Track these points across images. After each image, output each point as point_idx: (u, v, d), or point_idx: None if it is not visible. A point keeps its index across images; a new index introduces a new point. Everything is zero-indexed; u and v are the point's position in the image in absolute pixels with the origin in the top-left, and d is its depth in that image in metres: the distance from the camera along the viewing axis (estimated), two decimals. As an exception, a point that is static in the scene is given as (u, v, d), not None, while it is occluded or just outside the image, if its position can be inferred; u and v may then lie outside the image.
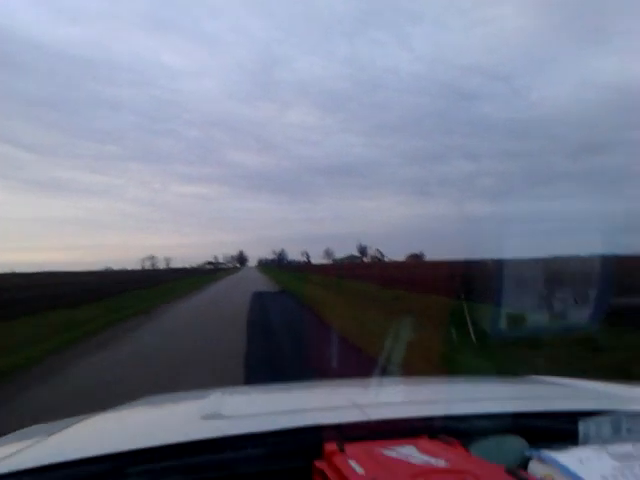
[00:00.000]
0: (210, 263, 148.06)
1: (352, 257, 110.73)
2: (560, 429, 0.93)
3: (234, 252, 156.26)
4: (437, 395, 1.52)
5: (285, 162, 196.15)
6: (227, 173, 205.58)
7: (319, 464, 0.78)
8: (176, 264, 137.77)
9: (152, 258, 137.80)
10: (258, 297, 17.53)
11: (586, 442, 0.85)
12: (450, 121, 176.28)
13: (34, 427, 1.33)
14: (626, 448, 0.73)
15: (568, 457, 0.70)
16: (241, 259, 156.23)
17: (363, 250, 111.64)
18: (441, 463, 0.71)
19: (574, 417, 0.92)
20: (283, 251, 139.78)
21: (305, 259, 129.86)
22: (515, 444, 0.84)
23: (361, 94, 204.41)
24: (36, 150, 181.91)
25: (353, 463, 0.72)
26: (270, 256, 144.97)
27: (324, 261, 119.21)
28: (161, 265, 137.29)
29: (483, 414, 1.01)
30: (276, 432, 0.91)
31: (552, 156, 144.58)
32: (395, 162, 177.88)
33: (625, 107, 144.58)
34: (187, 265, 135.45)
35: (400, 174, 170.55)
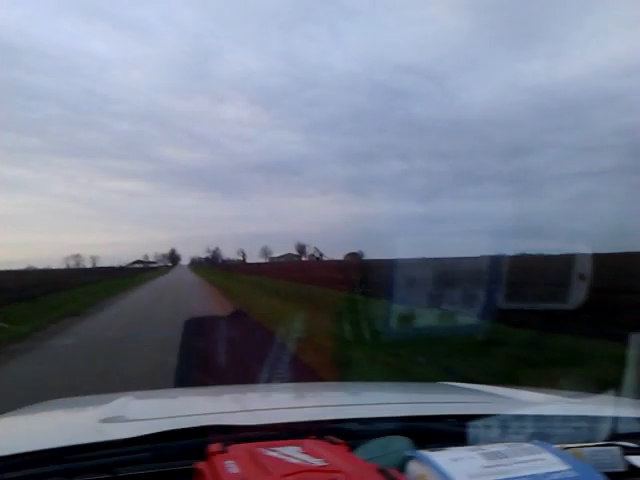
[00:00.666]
0: (139, 262, 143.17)
1: (290, 256, 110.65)
2: (449, 432, 0.98)
3: (166, 250, 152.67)
4: (329, 400, 1.58)
5: (219, 158, 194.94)
6: (158, 169, 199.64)
7: (199, 465, 0.79)
8: (104, 263, 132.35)
9: (77, 257, 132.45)
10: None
11: (471, 443, 0.89)
12: (384, 120, 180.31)
13: None
14: (500, 447, 0.78)
15: (442, 456, 0.74)
16: (173, 258, 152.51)
17: (301, 249, 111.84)
18: (317, 462, 0.75)
19: (464, 420, 0.97)
20: (218, 250, 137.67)
21: (241, 258, 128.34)
22: (400, 445, 0.88)
23: (296, 90, 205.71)
24: None
25: (230, 463, 0.74)
26: (204, 255, 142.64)
27: (261, 260, 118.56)
28: (88, 264, 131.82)
29: (372, 418, 1.07)
30: (161, 434, 0.93)
31: (481, 157, 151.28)
32: (330, 160, 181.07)
33: (549, 110, 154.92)
34: (115, 264, 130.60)
35: (335, 172, 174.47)
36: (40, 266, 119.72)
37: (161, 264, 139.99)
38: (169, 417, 1.18)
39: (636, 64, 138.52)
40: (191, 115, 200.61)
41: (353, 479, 0.70)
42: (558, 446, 0.82)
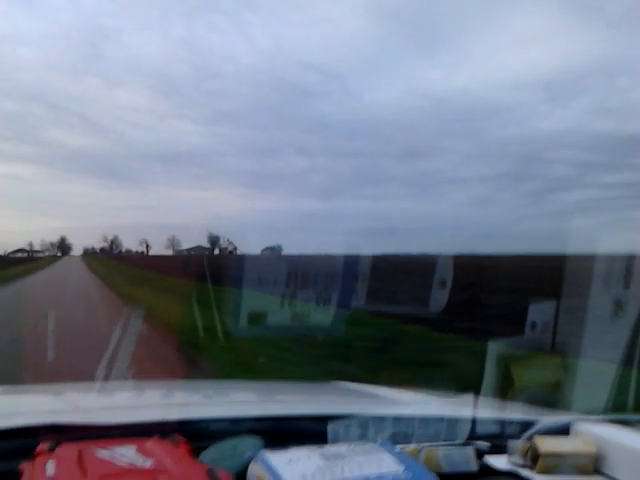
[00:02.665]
0: (22, 251, 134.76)
1: (200, 248, 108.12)
2: (304, 432, 1.02)
3: (55, 239, 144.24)
4: (180, 398, 1.63)
5: (115, 145, 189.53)
6: (48, 153, 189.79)
7: (23, 465, 0.81)
8: None
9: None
10: None
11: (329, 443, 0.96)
12: (286, 116, 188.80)
13: None
14: (341, 448, 0.86)
15: (279, 458, 0.81)
16: (63, 247, 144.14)
17: (214, 241, 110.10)
18: (146, 463, 0.78)
19: (321, 420, 1.02)
20: (116, 239, 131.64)
21: (144, 249, 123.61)
22: (248, 446, 0.91)
23: (198, 80, 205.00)
24: None
25: (51, 463, 0.77)
26: (101, 244, 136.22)
27: (168, 252, 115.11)
28: None
29: (224, 418, 1.11)
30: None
31: (381, 158, 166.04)
32: (232, 153, 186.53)
33: (445, 117, 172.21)
34: None
35: (237, 166, 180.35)
36: None
37: (49, 254, 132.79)
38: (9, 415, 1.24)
39: (524, 79, 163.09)
40: (85, 98, 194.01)
41: None
42: (407, 446, 0.96)
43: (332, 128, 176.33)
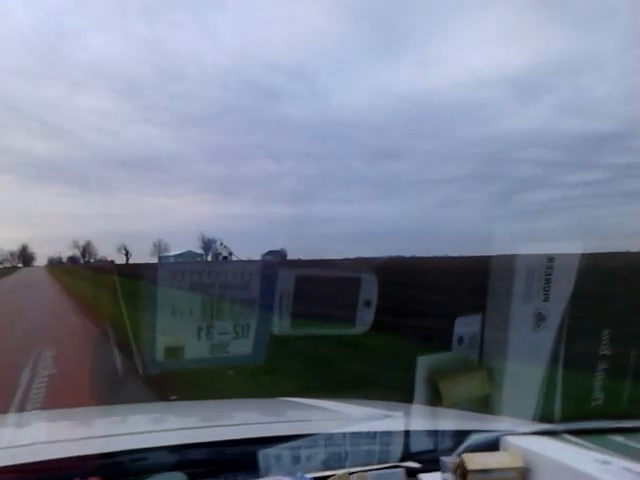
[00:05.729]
0: None
1: (190, 254, 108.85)
2: (240, 459, 1.14)
3: (15, 248, 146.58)
4: (104, 428, 1.70)
5: (78, 151, 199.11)
6: (9, 160, 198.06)
7: None
8: None
9: None
10: None
11: (266, 470, 1.08)
12: (254, 119, 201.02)
13: None
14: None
15: None
16: (25, 257, 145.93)
17: (208, 245, 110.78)
18: None
19: (260, 444, 1.14)
20: (89, 247, 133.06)
21: (123, 257, 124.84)
22: None
23: (162, 82, 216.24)
24: None
25: None
26: (70, 253, 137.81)
27: (152, 259, 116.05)
28: None
29: (147, 449, 1.16)
30: None
31: (351, 160, 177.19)
32: (199, 158, 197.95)
33: (414, 118, 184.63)
34: None
35: (205, 171, 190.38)
36: None
37: (7, 264, 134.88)
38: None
39: (491, 78, 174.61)
40: (45, 102, 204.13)
41: None
42: (338, 472, 1.07)
43: (301, 130, 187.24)
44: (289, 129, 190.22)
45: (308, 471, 1.09)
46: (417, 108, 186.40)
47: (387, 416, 1.67)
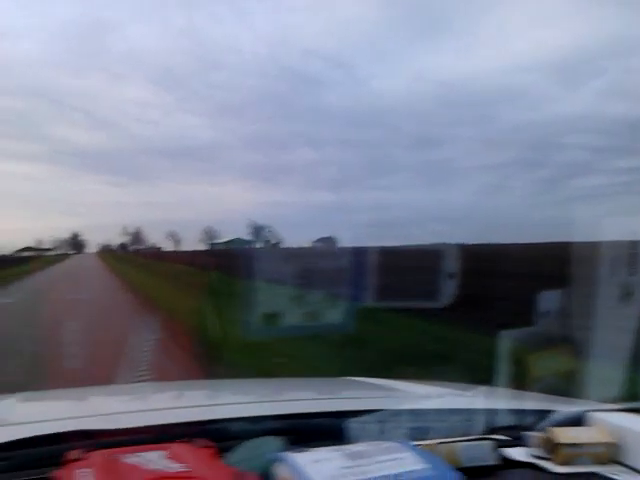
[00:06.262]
0: (30, 249, 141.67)
1: (238, 241, 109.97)
2: (325, 430, 1.19)
3: (67, 236, 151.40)
4: (201, 399, 1.94)
5: (121, 141, 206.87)
6: (56, 151, 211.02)
7: (55, 474, 0.95)
8: None
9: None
10: None
11: (351, 440, 1.10)
12: (293, 107, 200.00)
13: None
14: (363, 447, 1.00)
15: (304, 458, 0.95)
16: (76, 244, 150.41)
17: (257, 232, 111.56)
18: (178, 468, 0.92)
19: (341, 417, 1.19)
20: (138, 234, 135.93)
21: (172, 244, 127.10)
22: (270, 447, 1.06)
23: (201, 72, 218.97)
24: None
25: (85, 471, 0.90)
26: (120, 240, 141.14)
27: (200, 246, 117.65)
28: None
29: (245, 417, 1.29)
30: (20, 441, 1.10)
31: (392, 147, 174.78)
32: (239, 147, 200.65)
33: (455, 104, 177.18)
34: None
35: (245, 159, 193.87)
36: None
37: (60, 252, 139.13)
38: (25, 423, 1.42)
39: (535, 62, 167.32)
40: (89, 94, 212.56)
41: None
42: (426, 442, 1.10)
43: (340, 118, 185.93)
44: (328, 116, 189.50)
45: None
46: (459, 94, 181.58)
47: (466, 395, 1.69)
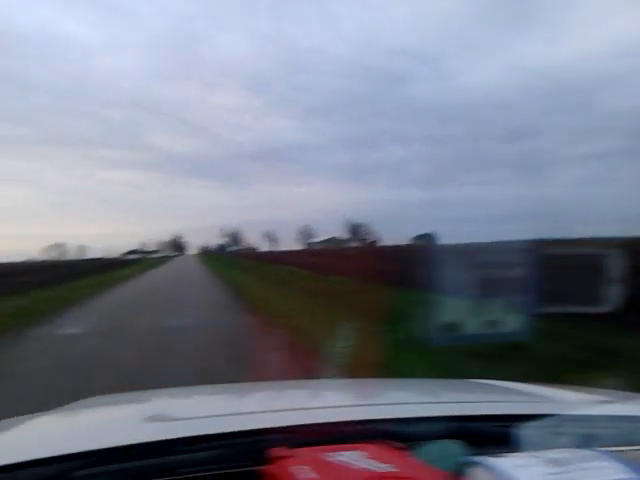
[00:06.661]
0: (135, 252, 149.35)
1: (335, 240, 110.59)
2: (498, 433, 1.19)
3: (168, 238, 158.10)
4: (382, 397, 1.98)
5: (215, 147, 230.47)
6: (155, 158, 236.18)
7: (268, 468, 1.00)
8: (94, 253, 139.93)
9: (60, 246, 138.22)
10: None
11: (523, 446, 1.08)
12: (379, 105, 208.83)
13: None
14: (559, 454, 0.95)
15: (506, 463, 0.91)
16: (177, 246, 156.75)
17: (355, 230, 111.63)
18: (387, 469, 0.94)
19: (512, 421, 1.17)
20: (236, 234, 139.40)
21: (270, 244, 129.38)
22: (454, 449, 1.06)
23: (288, 75, 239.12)
24: None
25: (302, 468, 0.94)
26: (218, 241, 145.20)
27: (297, 246, 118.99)
28: (73, 255, 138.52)
29: (427, 417, 1.31)
30: (222, 435, 1.17)
31: (482, 141, 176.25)
32: (328, 147, 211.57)
33: (549, 93, 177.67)
34: (106, 255, 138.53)
35: (334, 159, 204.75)
36: (39, 258, 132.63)
37: (162, 254, 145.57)
38: (216, 416, 1.47)
39: (635, 44, 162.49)
40: (183, 102, 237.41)
41: None
42: (614, 449, 1.04)
43: (428, 113, 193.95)
44: (416, 113, 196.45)
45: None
46: (552, 82, 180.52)
47: (627, 401, 1.64)
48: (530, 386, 1.99)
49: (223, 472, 1.10)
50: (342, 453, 1.00)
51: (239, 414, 1.51)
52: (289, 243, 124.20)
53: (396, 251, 27.15)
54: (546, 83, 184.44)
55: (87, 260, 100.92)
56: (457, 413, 1.37)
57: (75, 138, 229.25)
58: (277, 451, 1.02)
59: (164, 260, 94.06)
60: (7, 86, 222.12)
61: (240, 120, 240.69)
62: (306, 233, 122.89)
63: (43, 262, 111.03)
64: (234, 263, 51.90)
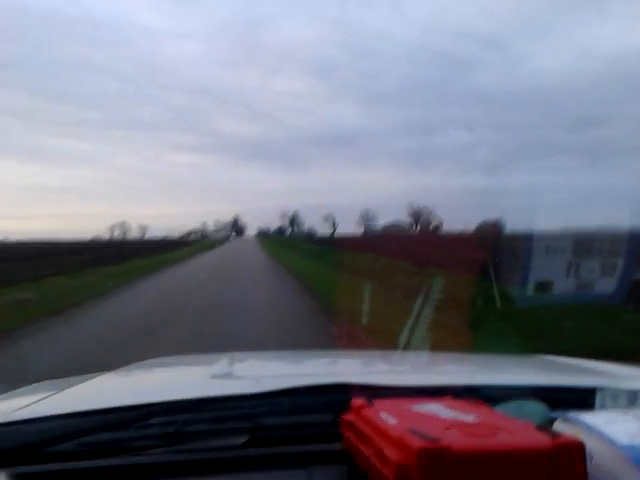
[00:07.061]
0: (195, 232, 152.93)
1: (396, 225, 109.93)
2: (578, 400, 1.16)
3: (228, 219, 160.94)
4: (458, 367, 2.09)
5: (277, 132, 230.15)
6: (220, 142, 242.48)
7: (347, 416, 1.01)
8: (155, 233, 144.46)
9: (123, 225, 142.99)
10: None
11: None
12: (445, 91, 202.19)
13: (42, 383, 1.76)
14: None
15: (596, 418, 0.91)
16: (237, 228, 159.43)
17: (417, 215, 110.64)
18: (470, 418, 0.92)
19: (590, 391, 1.16)
20: (296, 217, 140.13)
21: (330, 227, 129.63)
22: (536, 408, 1.07)
23: (352, 61, 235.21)
24: (15, 114, 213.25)
25: (385, 415, 0.92)
26: (277, 224, 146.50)
27: (358, 230, 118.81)
28: (134, 234, 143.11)
29: (504, 385, 1.35)
30: (301, 388, 1.20)
31: (550, 128, 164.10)
32: (391, 133, 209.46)
33: (621, 79, 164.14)
34: (167, 235, 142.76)
35: (396, 145, 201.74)
36: (106, 237, 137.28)
37: (221, 235, 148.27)
38: (289, 375, 1.62)
39: None
40: (246, 87, 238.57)
41: (515, 435, 0.84)
42: None
43: (495, 100, 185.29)
44: (482, 99, 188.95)
45: None
46: (626, 68, 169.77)
47: None
48: (598, 363, 1.97)
49: (304, 421, 1.14)
50: (421, 404, 0.99)
51: (314, 373, 1.63)
52: (349, 227, 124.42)
53: (474, 238, 26.21)
54: (619, 69, 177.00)
55: (149, 240, 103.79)
56: (534, 383, 1.37)
57: (143, 122, 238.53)
58: (356, 401, 1.02)
59: (222, 241, 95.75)
60: (80, 71, 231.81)
61: (302, 105, 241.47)
62: (366, 217, 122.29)
63: (109, 240, 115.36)
64: (296, 248, 47.55)
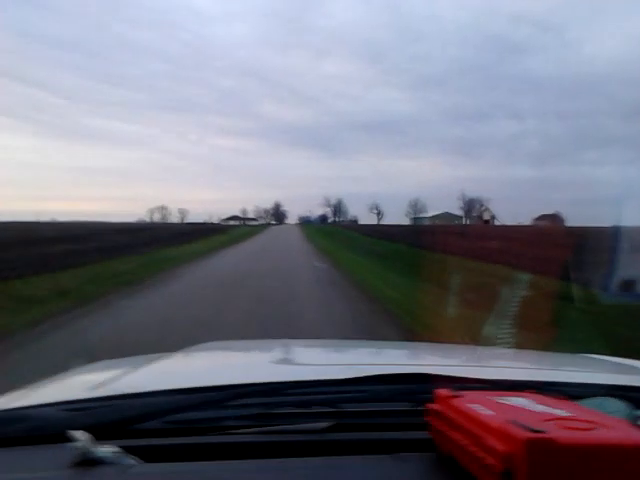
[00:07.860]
0: (236, 218, 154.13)
1: (446, 216, 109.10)
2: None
3: (269, 206, 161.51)
4: (533, 363, 2.09)
5: (322, 116, 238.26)
6: (264, 126, 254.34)
7: (433, 406, 1.00)
8: (195, 218, 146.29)
9: (163, 209, 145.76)
10: None
11: None
12: (495, 77, 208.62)
13: (102, 362, 1.91)
14: None
15: None
16: (278, 215, 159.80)
17: (469, 206, 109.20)
18: (562, 412, 0.90)
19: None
20: (339, 205, 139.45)
21: (375, 217, 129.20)
22: (618, 406, 1.06)
23: (401, 44, 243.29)
24: (64, 95, 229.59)
25: (475, 406, 0.92)
26: (319, 212, 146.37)
27: (404, 220, 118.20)
28: (173, 219, 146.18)
29: (582, 383, 1.37)
30: (384, 376, 1.25)
31: (604, 117, 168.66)
32: (438, 120, 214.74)
33: None
34: (207, 219, 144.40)
35: (443, 133, 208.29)
36: (148, 219, 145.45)
37: (261, 222, 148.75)
38: (358, 364, 1.74)
39: None
40: (293, 71, 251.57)
41: (613, 430, 0.82)
42: None
43: (546, 87, 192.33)
44: (533, 86, 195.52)
45: None
46: None
47: None
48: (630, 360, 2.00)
49: (387, 409, 1.19)
50: (509, 398, 0.99)
51: (388, 364, 1.80)
52: (395, 216, 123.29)
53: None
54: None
55: (189, 224, 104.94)
56: (612, 381, 1.39)
57: (189, 105, 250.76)
58: (442, 392, 1.01)
59: (262, 229, 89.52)
60: (127, 53, 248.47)
61: (349, 90, 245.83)
62: (415, 207, 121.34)
63: (152, 223, 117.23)
64: (352, 242, 40.16)
